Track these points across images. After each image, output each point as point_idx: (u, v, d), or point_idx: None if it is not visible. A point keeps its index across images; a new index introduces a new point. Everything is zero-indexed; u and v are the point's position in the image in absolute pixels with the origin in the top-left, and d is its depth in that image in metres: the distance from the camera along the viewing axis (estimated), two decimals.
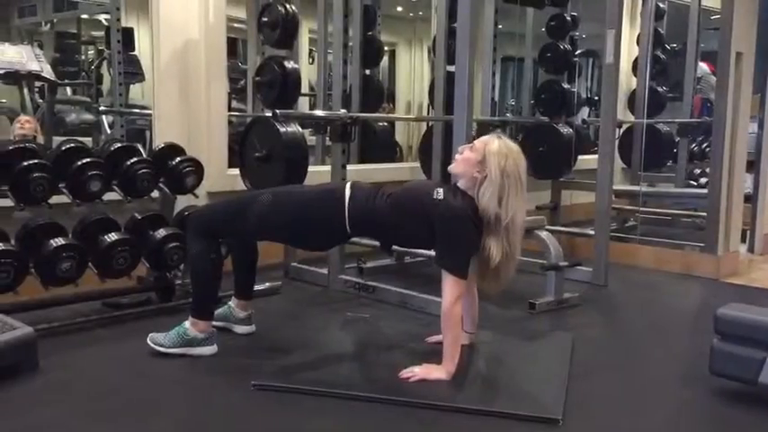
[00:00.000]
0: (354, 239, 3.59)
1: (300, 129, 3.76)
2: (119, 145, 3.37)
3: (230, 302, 3.05)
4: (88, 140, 4.67)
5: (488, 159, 2.50)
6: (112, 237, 3.09)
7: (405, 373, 2.49)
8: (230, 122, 4.51)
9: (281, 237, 2.96)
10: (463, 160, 2.58)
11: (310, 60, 6.81)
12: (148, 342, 2.75)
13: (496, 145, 2.53)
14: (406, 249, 4.01)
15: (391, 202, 2.61)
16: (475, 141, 2.62)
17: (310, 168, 3.82)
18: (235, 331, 3.02)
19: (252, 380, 2.45)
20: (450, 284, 2.48)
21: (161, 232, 3.25)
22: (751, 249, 5.25)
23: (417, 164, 5.16)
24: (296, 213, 2.67)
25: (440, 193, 2.55)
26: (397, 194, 2.64)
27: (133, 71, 4.99)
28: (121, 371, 2.62)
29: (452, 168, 2.64)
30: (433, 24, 5.70)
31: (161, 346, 2.73)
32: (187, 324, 2.75)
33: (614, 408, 2.44)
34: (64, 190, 3.09)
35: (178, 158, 3.45)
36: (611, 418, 2.35)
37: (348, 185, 2.69)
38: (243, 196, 2.80)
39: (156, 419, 2.23)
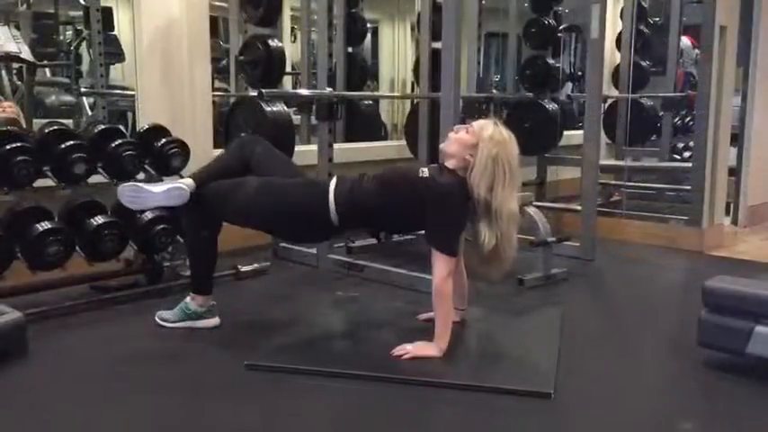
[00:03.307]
0: None
1: (286, 108, 3.73)
2: (103, 127, 3.32)
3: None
4: (68, 122, 4.61)
5: (481, 144, 2.50)
6: (99, 220, 3.06)
7: (397, 351, 2.50)
8: (213, 102, 4.47)
9: (264, 226, 2.89)
10: (457, 140, 2.58)
11: (292, 38, 6.75)
12: (156, 319, 2.85)
13: (491, 131, 2.53)
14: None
15: (377, 183, 2.61)
16: (472, 123, 2.62)
17: (296, 148, 3.80)
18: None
19: (244, 360, 2.45)
20: (440, 262, 2.49)
21: (148, 214, 3.22)
22: (735, 222, 5.30)
23: (404, 142, 5.15)
24: (279, 204, 2.65)
25: (425, 171, 2.57)
26: (382, 175, 2.64)
27: (113, 51, 4.93)
28: (111, 354, 2.61)
29: (445, 147, 2.63)
30: (416, 1, 5.66)
31: (166, 321, 2.84)
32: (188, 299, 2.83)
33: (604, 380, 2.46)
34: (48, 173, 3.05)
35: (163, 140, 3.41)
36: (602, 390, 2.38)
37: (334, 178, 2.70)
38: (233, 180, 2.78)
39: (148, 401, 2.23)
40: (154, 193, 2.67)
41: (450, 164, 2.59)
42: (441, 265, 2.49)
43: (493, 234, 2.50)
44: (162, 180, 3.37)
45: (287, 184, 2.72)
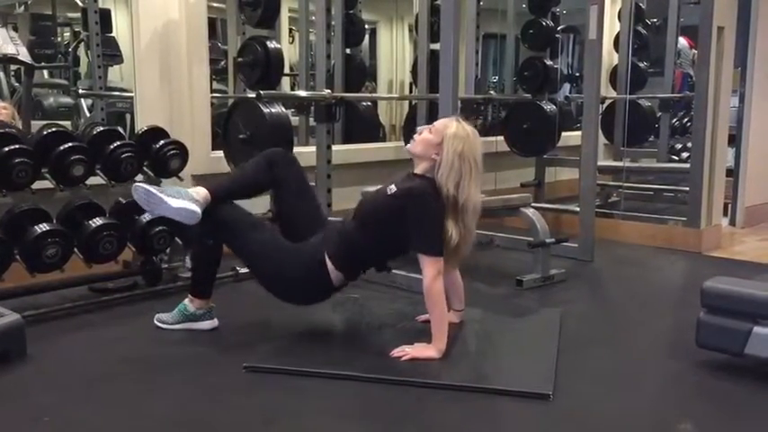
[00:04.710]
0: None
1: (284, 109, 3.73)
2: (101, 128, 3.32)
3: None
4: (67, 124, 4.60)
5: (446, 142, 2.53)
6: (97, 221, 3.05)
7: (396, 352, 2.50)
8: (211, 104, 4.47)
9: (261, 283, 2.80)
10: (422, 141, 2.61)
11: (290, 40, 6.74)
12: (154, 321, 2.86)
13: (454, 128, 2.55)
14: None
15: (356, 221, 2.65)
16: (435, 123, 2.65)
17: (294, 150, 3.79)
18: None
19: (243, 362, 2.45)
20: (428, 264, 2.51)
21: (146, 216, 3.22)
22: (733, 223, 5.32)
23: (402, 143, 5.15)
24: (278, 274, 2.68)
25: (392, 188, 2.60)
26: (357, 210, 2.68)
27: (111, 53, 4.91)
28: (110, 355, 2.61)
29: (411, 148, 2.66)
30: (414, 2, 5.66)
31: (164, 323, 2.86)
32: (186, 301, 2.85)
33: (603, 382, 2.46)
34: (47, 175, 3.05)
35: (162, 141, 3.41)
36: (601, 391, 2.38)
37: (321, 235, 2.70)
38: (250, 216, 2.76)
39: (147, 404, 2.22)
40: (166, 205, 2.60)
41: (418, 169, 2.63)
42: (429, 267, 2.50)
43: (458, 229, 2.53)
44: (161, 180, 3.38)
45: (289, 256, 2.68)
